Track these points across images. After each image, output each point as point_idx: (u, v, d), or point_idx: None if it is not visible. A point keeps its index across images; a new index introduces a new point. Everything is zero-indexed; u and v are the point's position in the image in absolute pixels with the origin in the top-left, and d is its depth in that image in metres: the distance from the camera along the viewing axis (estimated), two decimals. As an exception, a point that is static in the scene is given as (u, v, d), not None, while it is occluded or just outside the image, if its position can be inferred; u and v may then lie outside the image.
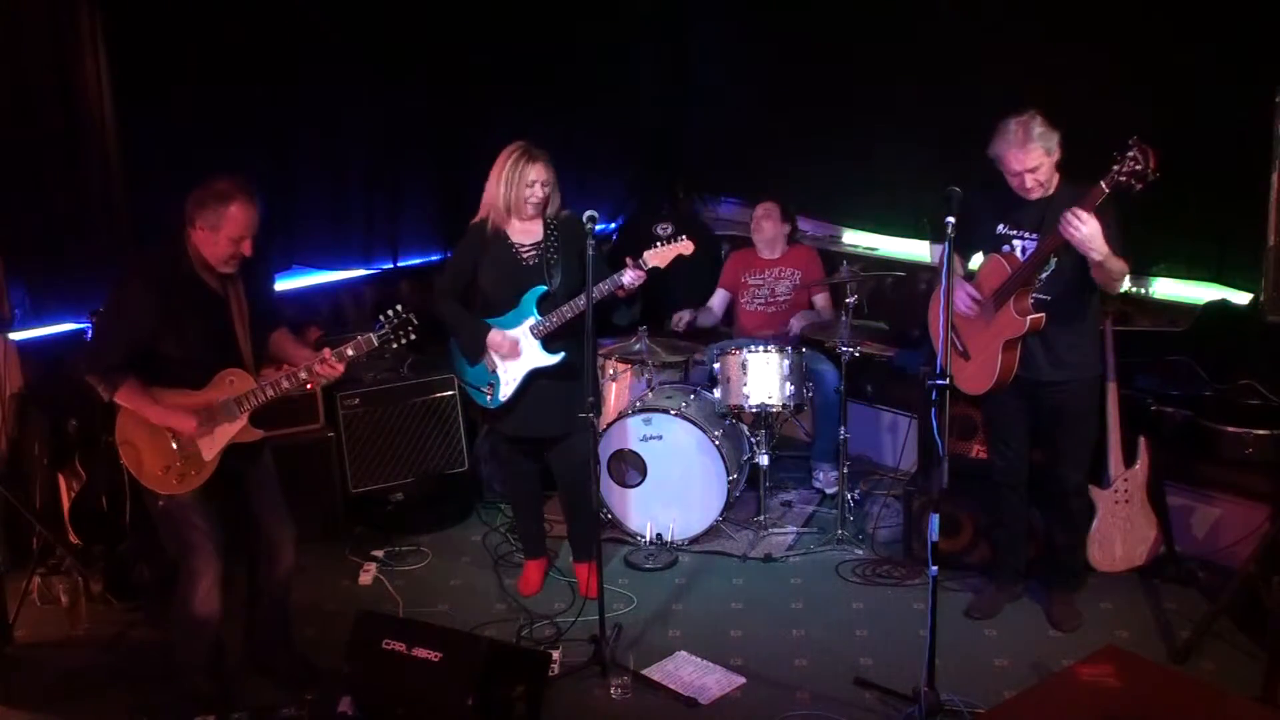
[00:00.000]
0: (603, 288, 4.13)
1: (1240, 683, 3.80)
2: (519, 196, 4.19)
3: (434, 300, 4.41)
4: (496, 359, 4.32)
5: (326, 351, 3.68)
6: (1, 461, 4.79)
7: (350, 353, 3.69)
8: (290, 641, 4.12)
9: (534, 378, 4.30)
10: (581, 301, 4.08)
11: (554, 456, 4.47)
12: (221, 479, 3.75)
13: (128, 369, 3.61)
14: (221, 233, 3.54)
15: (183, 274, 3.61)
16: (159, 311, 3.57)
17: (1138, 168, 3.53)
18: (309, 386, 3.78)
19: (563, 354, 4.25)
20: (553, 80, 6.22)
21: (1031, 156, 3.83)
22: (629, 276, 4.12)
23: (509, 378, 4.32)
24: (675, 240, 4.17)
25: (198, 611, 3.74)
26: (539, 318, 4.25)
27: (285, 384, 3.68)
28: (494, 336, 4.28)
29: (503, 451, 4.78)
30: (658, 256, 4.14)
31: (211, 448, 3.68)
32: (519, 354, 4.28)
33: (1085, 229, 3.65)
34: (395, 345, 3.75)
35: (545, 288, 4.24)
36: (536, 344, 4.27)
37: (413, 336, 3.74)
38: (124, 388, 3.60)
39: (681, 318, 5.79)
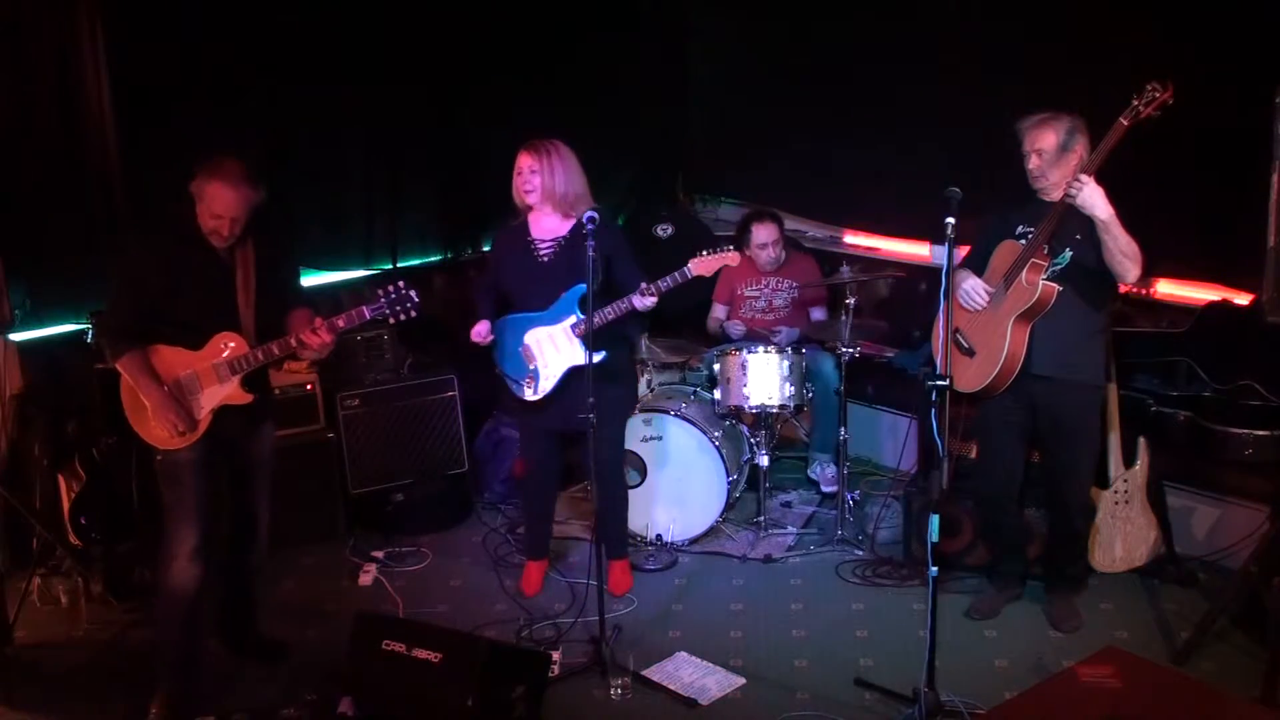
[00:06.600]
0: (614, 309, 4.15)
1: (1240, 683, 3.80)
2: (514, 187, 4.29)
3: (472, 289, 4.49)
4: (535, 355, 4.32)
5: (318, 320, 3.73)
6: (1, 462, 4.79)
7: (341, 324, 3.74)
8: (254, 617, 4.25)
9: (573, 375, 4.30)
10: (623, 304, 4.15)
11: (585, 456, 4.44)
12: (221, 446, 3.83)
13: (134, 340, 3.70)
14: (203, 204, 3.63)
15: (185, 232, 3.68)
16: (158, 263, 3.67)
17: (1157, 95, 3.63)
18: (301, 354, 3.82)
19: (604, 353, 4.21)
20: (553, 80, 6.22)
21: (1043, 138, 3.88)
22: (638, 301, 4.12)
23: (549, 373, 4.33)
24: (721, 250, 4.15)
25: (175, 579, 3.76)
26: (580, 316, 4.25)
27: (275, 349, 3.75)
28: (480, 328, 4.35)
29: (534, 446, 4.67)
30: (702, 265, 4.15)
31: (202, 408, 3.76)
32: (487, 339, 4.35)
33: (1085, 190, 3.71)
34: (393, 321, 3.81)
35: (585, 287, 4.18)
36: (578, 342, 4.26)
37: (413, 314, 3.78)
38: (125, 358, 3.69)
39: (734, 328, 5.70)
